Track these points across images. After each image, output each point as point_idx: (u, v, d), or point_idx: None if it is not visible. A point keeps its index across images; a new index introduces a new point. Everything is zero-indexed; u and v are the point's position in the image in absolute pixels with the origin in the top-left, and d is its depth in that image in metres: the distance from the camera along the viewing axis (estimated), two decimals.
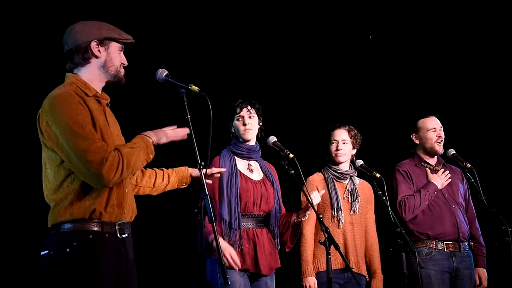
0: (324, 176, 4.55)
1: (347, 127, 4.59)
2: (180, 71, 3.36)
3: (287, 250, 4.17)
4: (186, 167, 3.49)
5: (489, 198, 4.62)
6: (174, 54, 5.12)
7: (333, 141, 4.57)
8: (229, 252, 3.80)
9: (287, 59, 5.88)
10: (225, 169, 3.83)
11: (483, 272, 4.78)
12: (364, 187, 4.64)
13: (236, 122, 4.15)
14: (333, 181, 4.52)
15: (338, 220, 4.44)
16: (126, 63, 3.09)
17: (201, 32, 5.43)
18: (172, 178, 3.44)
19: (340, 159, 4.55)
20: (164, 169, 3.46)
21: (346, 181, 4.57)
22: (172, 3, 5.23)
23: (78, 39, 2.99)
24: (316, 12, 5.78)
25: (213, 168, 3.69)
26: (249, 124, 4.13)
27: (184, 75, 3.21)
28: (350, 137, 4.57)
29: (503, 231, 4.49)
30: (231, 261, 3.79)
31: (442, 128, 4.88)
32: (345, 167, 4.59)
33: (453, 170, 4.95)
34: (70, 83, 2.97)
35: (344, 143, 4.56)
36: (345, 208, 4.49)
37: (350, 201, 4.52)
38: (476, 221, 4.87)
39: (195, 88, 3.11)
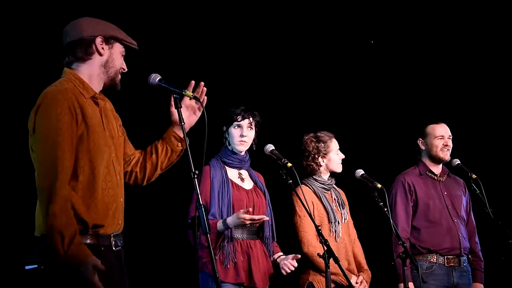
0: (312, 189, 4.41)
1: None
2: (173, 76, 3.26)
3: None
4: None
5: (495, 211, 4.51)
6: (168, 58, 5.04)
7: (337, 152, 4.48)
8: (241, 217, 3.72)
9: (286, 65, 5.83)
10: (267, 218, 3.83)
11: None
12: (341, 193, 4.56)
13: (232, 129, 4.01)
14: (322, 193, 4.40)
15: (336, 234, 4.31)
16: (126, 69, 2.96)
17: (195, 37, 5.38)
18: (160, 152, 3.07)
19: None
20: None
21: (330, 191, 4.47)
22: (163, 7, 5.17)
23: (83, 32, 2.85)
24: (316, 17, 5.72)
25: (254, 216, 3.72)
26: (246, 137, 4.00)
27: (178, 80, 3.10)
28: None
29: (509, 245, 4.38)
30: (252, 217, 3.73)
31: (451, 137, 4.79)
32: (327, 176, 4.49)
33: (457, 181, 4.87)
34: (67, 80, 2.82)
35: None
36: (338, 219, 4.38)
37: (339, 209, 4.42)
38: (476, 235, 4.80)
39: (189, 94, 3.02)
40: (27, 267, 2.70)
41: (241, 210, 3.75)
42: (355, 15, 5.81)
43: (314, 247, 4.21)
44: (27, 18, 4.66)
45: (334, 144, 4.47)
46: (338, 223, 4.34)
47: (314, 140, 4.47)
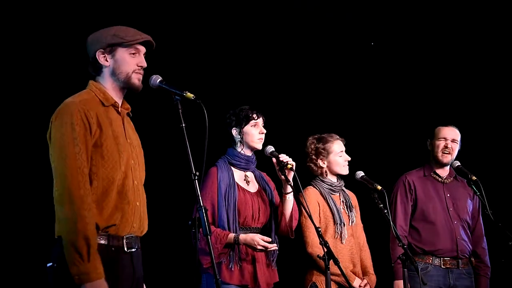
0: (319, 190, 4.40)
1: (339, 137, 4.50)
2: (174, 77, 3.26)
3: (292, 237, 4.06)
4: None
5: (495, 213, 4.50)
6: (168, 60, 5.04)
7: (340, 154, 4.43)
8: (256, 240, 3.76)
9: (289, 67, 5.82)
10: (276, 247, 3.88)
11: None
12: (351, 196, 4.54)
13: (250, 127, 4.00)
14: (329, 195, 4.39)
15: (341, 236, 4.31)
16: (144, 65, 3.02)
17: (197, 38, 5.39)
18: None
19: (348, 170, 4.45)
20: None
21: (338, 193, 4.45)
22: (165, 8, 5.18)
23: (90, 50, 3.00)
24: (319, 19, 5.72)
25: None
26: (263, 134, 4.03)
27: (179, 82, 3.11)
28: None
29: (509, 247, 4.37)
30: (266, 245, 3.77)
31: (455, 141, 4.75)
32: (335, 178, 4.47)
33: (465, 185, 4.82)
34: (89, 91, 2.98)
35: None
36: (345, 220, 4.37)
37: (347, 212, 4.41)
38: (484, 240, 4.77)
39: (190, 95, 3.03)
40: (47, 265, 2.84)
41: (259, 235, 3.80)
42: (358, 16, 5.80)
43: (318, 248, 4.20)
44: (49, 26, 4.76)
45: (336, 146, 4.43)
46: (344, 225, 4.33)
47: (315, 141, 4.46)
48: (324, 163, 4.44)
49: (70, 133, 2.78)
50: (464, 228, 4.68)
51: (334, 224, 4.31)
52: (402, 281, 4.13)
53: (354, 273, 4.30)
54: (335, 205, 4.36)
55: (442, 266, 4.58)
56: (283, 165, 3.92)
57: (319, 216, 4.30)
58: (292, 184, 3.93)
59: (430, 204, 4.69)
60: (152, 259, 4.95)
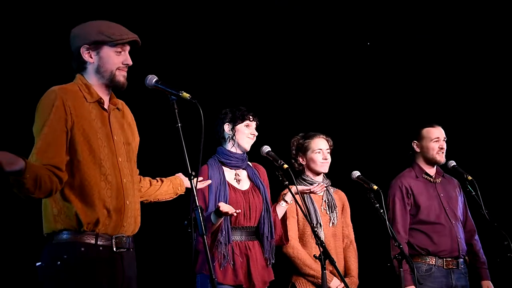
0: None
1: (325, 136, 4.45)
2: (170, 77, 3.26)
3: (286, 242, 4.08)
4: (178, 174, 3.43)
5: (491, 212, 4.51)
6: (164, 59, 5.05)
7: (318, 150, 4.38)
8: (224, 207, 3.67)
9: (283, 67, 5.82)
10: (209, 181, 3.77)
11: (490, 285, 4.67)
12: (338, 196, 4.50)
13: (243, 126, 4.02)
14: (309, 194, 4.31)
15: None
16: (129, 63, 2.98)
17: (191, 39, 5.38)
18: (165, 182, 3.35)
19: (326, 169, 4.40)
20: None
21: (322, 193, 4.40)
22: (161, 8, 5.17)
23: (73, 44, 2.94)
24: (314, 19, 5.72)
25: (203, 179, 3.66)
26: (255, 136, 4.05)
27: (174, 82, 3.10)
28: (330, 146, 4.44)
29: (505, 247, 4.38)
30: (228, 210, 3.65)
31: (445, 139, 4.77)
32: (320, 178, 4.43)
33: (451, 182, 4.86)
34: (74, 84, 2.93)
35: (328, 152, 4.40)
36: (324, 221, 4.33)
37: (328, 213, 4.38)
38: (476, 233, 4.78)
39: (186, 95, 3.02)
40: (37, 264, 2.87)
41: (221, 203, 3.71)
42: (352, 17, 5.81)
43: (292, 248, 4.21)
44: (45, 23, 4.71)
45: (315, 143, 4.39)
46: (320, 225, 4.29)
47: (299, 138, 4.46)
48: (303, 160, 4.42)
49: (47, 115, 2.77)
50: (461, 227, 4.69)
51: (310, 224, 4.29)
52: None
53: (334, 274, 4.23)
54: (313, 205, 4.33)
55: (444, 267, 4.57)
56: (278, 166, 3.93)
57: (297, 215, 4.29)
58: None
59: (429, 205, 4.67)
60: (147, 259, 4.96)
